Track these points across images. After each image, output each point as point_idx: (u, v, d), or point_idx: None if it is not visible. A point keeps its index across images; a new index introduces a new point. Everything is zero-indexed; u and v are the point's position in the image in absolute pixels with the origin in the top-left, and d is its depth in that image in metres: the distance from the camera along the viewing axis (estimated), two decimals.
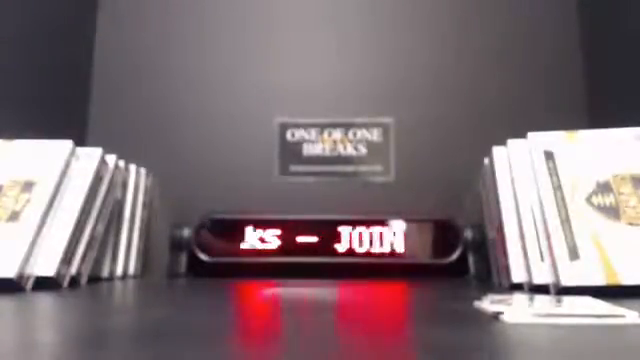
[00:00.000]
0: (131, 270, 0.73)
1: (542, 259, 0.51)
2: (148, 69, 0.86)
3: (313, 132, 0.83)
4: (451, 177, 0.80)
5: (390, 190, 0.81)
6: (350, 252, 0.71)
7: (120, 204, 0.71)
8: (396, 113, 0.83)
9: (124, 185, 0.72)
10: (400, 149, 0.82)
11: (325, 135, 0.83)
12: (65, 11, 0.81)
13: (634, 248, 0.47)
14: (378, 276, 0.68)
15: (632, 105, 0.66)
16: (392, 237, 0.71)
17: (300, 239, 0.71)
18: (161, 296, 0.53)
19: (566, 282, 0.45)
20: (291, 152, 0.83)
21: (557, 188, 0.52)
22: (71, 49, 0.82)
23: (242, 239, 0.71)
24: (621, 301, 0.42)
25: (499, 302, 0.36)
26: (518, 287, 0.53)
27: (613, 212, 0.49)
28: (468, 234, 0.71)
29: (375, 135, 0.83)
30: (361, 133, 0.83)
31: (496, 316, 0.32)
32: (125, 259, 0.71)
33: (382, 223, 0.72)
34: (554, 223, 0.50)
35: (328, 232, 0.71)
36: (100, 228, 0.61)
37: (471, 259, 0.71)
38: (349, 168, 0.83)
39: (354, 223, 0.72)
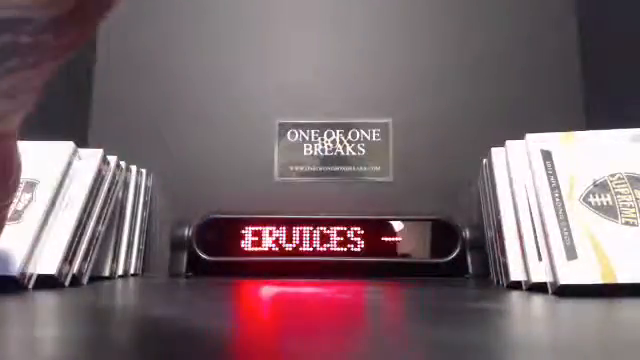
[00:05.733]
0: (132, 269, 0.73)
1: (540, 258, 0.51)
2: (149, 70, 0.87)
3: (313, 132, 0.84)
4: (450, 177, 0.80)
5: (389, 190, 0.82)
6: (349, 252, 0.71)
7: (121, 204, 0.71)
8: (395, 114, 0.83)
9: (125, 185, 0.72)
10: (399, 149, 0.83)
11: (325, 135, 0.84)
12: None
13: (631, 247, 0.47)
14: (377, 275, 0.68)
15: (629, 106, 0.66)
16: (391, 237, 0.72)
17: (299, 238, 0.72)
18: (162, 295, 0.54)
19: (564, 281, 0.46)
20: (291, 152, 0.84)
21: (555, 188, 0.53)
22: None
23: (242, 238, 0.72)
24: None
25: None
26: (516, 286, 0.54)
27: (610, 212, 0.50)
28: (466, 233, 0.72)
29: (374, 135, 0.83)
30: (360, 133, 0.83)
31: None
32: (126, 258, 0.71)
33: (381, 223, 0.72)
34: (552, 222, 0.50)
35: (327, 232, 0.72)
36: (101, 227, 0.62)
37: (470, 258, 0.71)
38: (348, 168, 0.83)
39: (353, 223, 0.72)
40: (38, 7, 0.20)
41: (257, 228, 0.72)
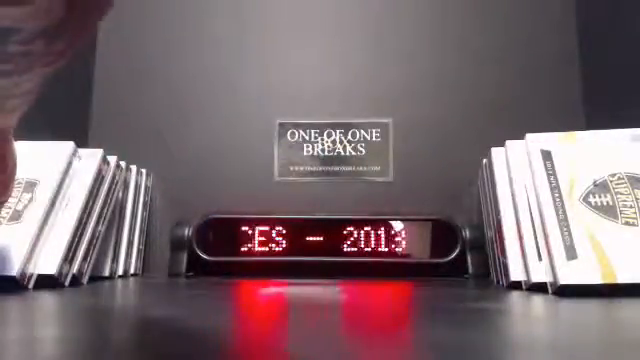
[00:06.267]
0: (132, 269, 0.73)
1: (540, 258, 0.51)
2: (149, 70, 0.87)
3: (313, 132, 0.84)
4: (450, 177, 0.80)
5: (389, 190, 0.82)
6: (349, 252, 0.71)
7: (121, 204, 0.71)
8: (395, 114, 0.83)
9: (125, 185, 0.72)
10: (399, 149, 0.83)
11: (325, 135, 0.84)
12: None
13: (631, 247, 0.47)
14: (377, 275, 0.68)
15: (628, 106, 0.66)
16: (391, 237, 0.72)
17: (299, 239, 0.72)
18: (162, 295, 0.54)
19: (564, 281, 0.46)
20: (291, 152, 0.84)
21: (555, 188, 0.53)
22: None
23: (242, 238, 0.72)
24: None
25: None
26: (516, 286, 0.54)
27: (610, 212, 0.50)
28: (467, 234, 0.72)
29: (374, 135, 0.83)
30: (360, 133, 0.83)
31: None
32: (126, 258, 0.71)
33: (381, 223, 0.72)
34: (552, 222, 0.50)
35: (327, 232, 0.72)
36: (101, 227, 0.62)
37: (470, 258, 0.71)
38: (348, 168, 0.83)
39: (353, 223, 0.72)
40: (27, 18, 0.20)
41: (257, 228, 0.72)
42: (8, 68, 0.22)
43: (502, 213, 0.59)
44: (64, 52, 0.23)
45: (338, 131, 0.84)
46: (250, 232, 0.72)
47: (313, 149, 0.84)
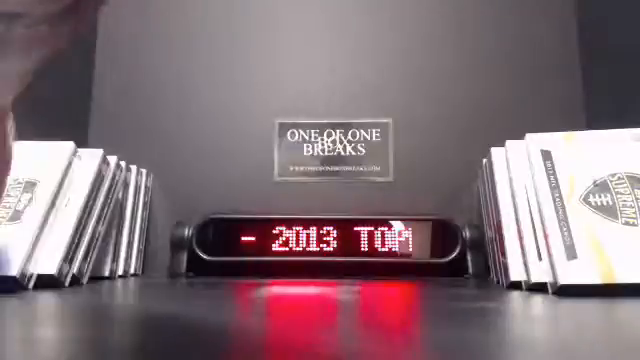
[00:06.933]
0: (132, 269, 0.73)
1: (540, 258, 0.51)
2: (149, 70, 0.87)
3: (313, 132, 0.84)
4: (450, 177, 0.80)
5: (389, 190, 0.82)
6: (349, 252, 0.71)
7: (121, 204, 0.71)
8: (395, 114, 0.83)
9: (125, 185, 0.72)
10: (399, 149, 0.83)
11: (325, 135, 0.84)
12: None
13: (631, 247, 0.47)
14: (377, 275, 0.68)
15: (629, 106, 0.66)
16: (391, 237, 0.72)
17: (299, 238, 0.72)
18: (162, 295, 0.54)
19: (564, 281, 0.46)
20: (291, 152, 0.84)
21: (555, 188, 0.53)
22: (72, 51, 0.83)
23: (242, 238, 0.72)
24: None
25: None
26: (516, 286, 0.54)
27: (610, 212, 0.50)
28: (467, 233, 0.72)
29: (374, 135, 0.83)
30: (360, 133, 0.83)
31: None
32: (126, 258, 0.71)
33: (381, 223, 0.72)
34: (552, 222, 0.50)
35: (327, 232, 0.72)
36: (101, 227, 0.62)
37: (470, 258, 0.71)
38: (348, 168, 0.83)
39: (353, 223, 0.72)
40: (35, 3, 0.20)
41: (257, 228, 0.72)
42: (8, 50, 0.22)
43: (502, 213, 0.59)
44: (67, 35, 0.23)
45: (338, 131, 0.84)
46: (250, 232, 0.72)
47: (313, 149, 0.84)
